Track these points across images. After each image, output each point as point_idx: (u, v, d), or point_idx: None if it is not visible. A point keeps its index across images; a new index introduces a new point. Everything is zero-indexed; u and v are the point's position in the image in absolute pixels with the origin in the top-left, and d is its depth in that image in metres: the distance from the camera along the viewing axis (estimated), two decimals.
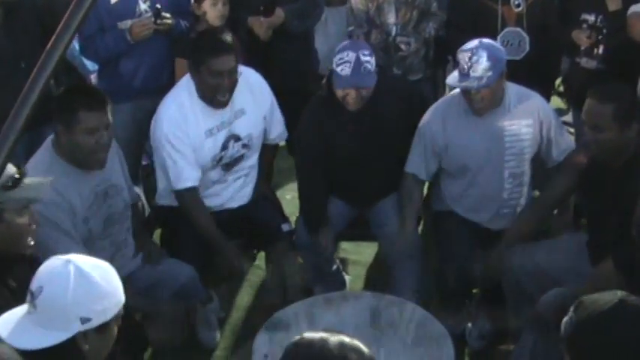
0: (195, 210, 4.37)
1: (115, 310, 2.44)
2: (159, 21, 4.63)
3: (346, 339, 1.98)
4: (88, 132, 3.66)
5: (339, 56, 4.28)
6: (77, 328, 2.36)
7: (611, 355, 2.25)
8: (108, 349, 2.49)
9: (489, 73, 4.09)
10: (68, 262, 2.40)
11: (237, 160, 4.49)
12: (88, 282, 2.38)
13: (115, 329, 2.49)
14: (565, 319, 2.37)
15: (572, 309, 2.36)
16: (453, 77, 4.23)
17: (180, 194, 4.37)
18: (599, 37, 4.60)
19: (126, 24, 4.65)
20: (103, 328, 2.41)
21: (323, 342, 1.96)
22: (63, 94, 3.84)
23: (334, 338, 1.97)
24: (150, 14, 4.64)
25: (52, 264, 2.42)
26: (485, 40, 4.18)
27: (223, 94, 4.26)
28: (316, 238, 4.49)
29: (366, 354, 1.97)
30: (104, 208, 3.87)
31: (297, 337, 2.01)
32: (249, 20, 4.94)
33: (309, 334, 2.00)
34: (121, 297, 2.47)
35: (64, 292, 2.35)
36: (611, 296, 2.34)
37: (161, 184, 4.49)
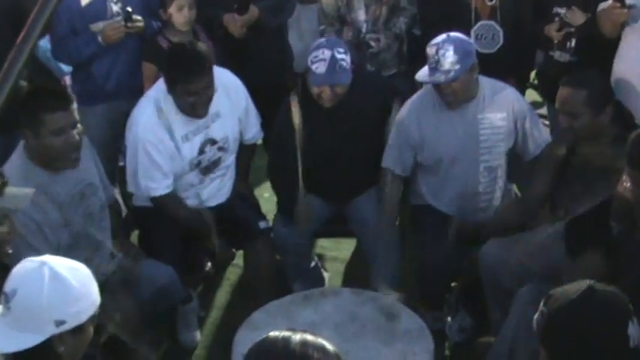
0: (172, 208, 4.38)
1: (90, 312, 2.43)
2: (129, 24, 4.60)
3: (309, 337, 1.95)
4: (56, 133, 3.63)
5: (314, 54, 4.28)
6: (52, 330, 2.35)
7: (585, 342, 2.27)
8: (84, 350, 2.49)
9: (457, 67, 4.11)
10: (43, 264, 2.39)
11: (215, 163, 4.47)
12: (63, 285, 2.37)
13: (91, 330, 2.48)
14: (536, 315, 2.39)
15: (542, 303, 2.38)
16: (422, 72, 4.24)
17: (154, 200, 4.37)
18: (572, 30, 4.61)
19: (97, 26, 4.62)
20: (79, 329, 2.40)
21: (285, 341, 1.93)
22: (25, 98, 3.76)
23: (297, 337, 1.94)
24: (120, 17, 4.61)
25: (26, 266, 2.41)
26: (453, 34, 4.20)
27: (201, 109, 4.25)
28: (296, 225, 4.51)
29: (331, 352, 1.94)
30: (81, 209, 3.85)
31: (262, 337, 2.00)
32: (224, 18, 4.92)
33: (273, 333, 1.97)
34: (96, 298, 2.46)
35: (38, 295, 2.34)
36: (578, 285, 2.37)
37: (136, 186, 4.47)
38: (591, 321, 2.28)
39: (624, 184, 3.16)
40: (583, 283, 2.36)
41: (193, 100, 4.19)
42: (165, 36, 4.79)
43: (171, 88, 4.21)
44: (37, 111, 3.62)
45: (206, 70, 4.17)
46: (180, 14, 4.72)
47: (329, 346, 1.96)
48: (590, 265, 3.48)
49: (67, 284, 2.37)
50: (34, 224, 3.63)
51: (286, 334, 1.96)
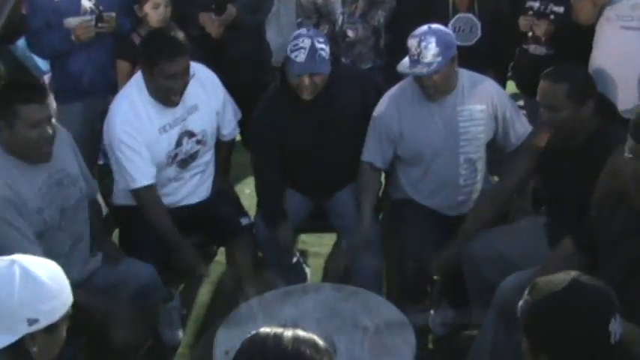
0: (152, 209, 4.32)
1: (63, 310, 2.39)
2: (100, 25, 4.60)
3: (301, 333, 1.95)
4: (30, 126, 3.56)
5: (293, 42, 4.25)
6: (24, 330, 2.31)
7: (568, 333, 2.26)
8: (57, 350, 2.45)
9: (439, 59, 4.09)
10: (13, 262, 2.35)
11: (193, 156, 4.45)
12: (35, 282, 2.33)
13: (64, 329, 2.44)
14: (520, 302, 2.38)
15: (526, 292, 2.37)
16: (403, 64, 4.22)
17: (137, 193, 4.32)
18: (548, 21, 4.61)
19: (70, 22, 4.61)
20: (52, 328, 2.37)
21: (277, 337, 1.93)
22: (1, 89, 3.70)
23: (288, 333, 1.94)
24: (92, 17, 4.60)
25: None
26: (434, 26, 4.17)
27: (176, 95, 4.23)
28: (275, 233, 4.49)
29: (322, 347, 1.94)
30: (59, 199, 3.79)
31: (252, 333, 1.98)
32: (200, 17, 4.90)
33: (263, 329, 1.97)
34: (69, 296, 2.43)
35: (9, 293, 2.30)
36: (564, 276, 2.35)
37: (119, 183, 4.45)
38: (573, 314, 2.27)
39: (626, 156, 3.08)
40: (568, 274, 2.35)
41: (170, 84, 4.16)
42: (139, 33, 4.77)
43: (149, 73, 4.18)
44: (11, 102, 3.56)
45: (184, 53, 4.16)
46: (155, 12, 4.72)
47: (320, 342, 1.95)
48: (569, 256, 3.49)
49: (39, 282, 2.34)
50: (13, 206, 3.60)
51: (277, 330, 1.94)
